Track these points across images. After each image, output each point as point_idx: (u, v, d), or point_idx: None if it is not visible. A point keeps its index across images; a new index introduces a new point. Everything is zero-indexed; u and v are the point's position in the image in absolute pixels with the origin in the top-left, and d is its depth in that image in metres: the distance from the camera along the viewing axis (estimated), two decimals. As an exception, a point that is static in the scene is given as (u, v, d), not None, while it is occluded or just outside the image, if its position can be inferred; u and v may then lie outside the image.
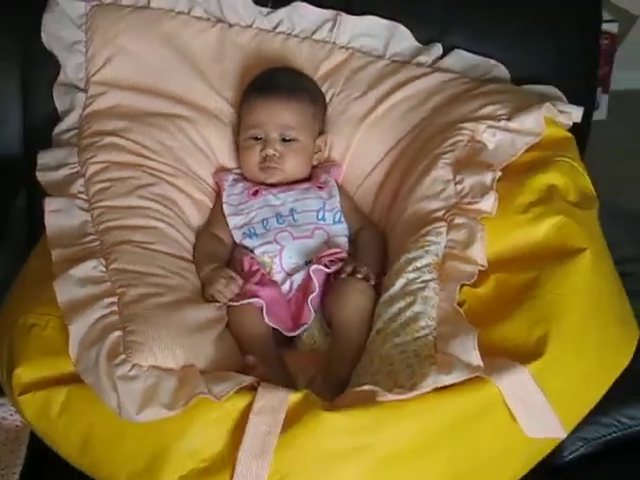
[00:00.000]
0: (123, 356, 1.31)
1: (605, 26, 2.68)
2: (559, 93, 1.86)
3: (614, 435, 1.56)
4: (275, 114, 1.72)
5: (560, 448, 1.48)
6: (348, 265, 1.58)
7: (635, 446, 1.57)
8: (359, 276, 1.56)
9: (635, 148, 3.26)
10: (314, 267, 1.57)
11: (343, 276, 1.57)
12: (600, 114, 3.40)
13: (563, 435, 1.34)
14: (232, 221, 1.71)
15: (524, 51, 1.98)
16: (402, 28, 1.92)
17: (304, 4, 1.92)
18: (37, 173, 1.70)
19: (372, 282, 1.56)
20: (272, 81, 1.77)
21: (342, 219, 1.73)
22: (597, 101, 3.28)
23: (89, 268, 1.46)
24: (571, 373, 1.37)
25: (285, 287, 1.61)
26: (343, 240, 1.70)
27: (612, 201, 1.70)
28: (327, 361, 1.51)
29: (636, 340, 1.53)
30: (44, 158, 1.73)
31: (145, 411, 1.25)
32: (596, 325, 1.44)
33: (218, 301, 1.53)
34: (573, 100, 1.84)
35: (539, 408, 1.29)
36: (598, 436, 1.56)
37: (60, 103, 1.83)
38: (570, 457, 1.55)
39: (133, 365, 1.30)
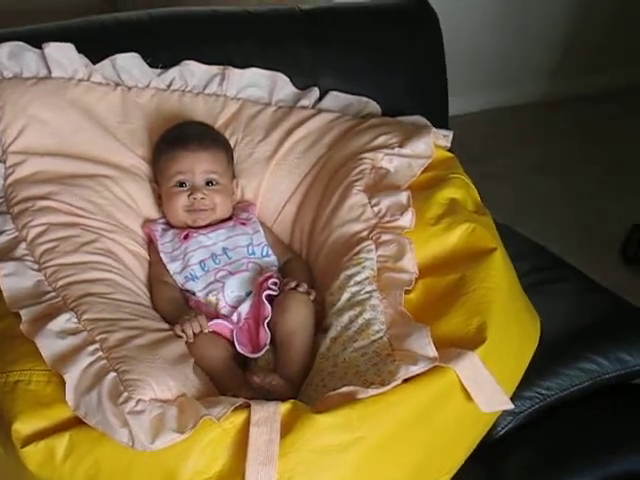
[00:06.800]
0: (126, 394, 1.35)
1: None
2: (427, 121, 2.00)
3: (537, 406, 1.70)
4: (197, 162, 1.79)
5: (494, 425, 1.64)
6: (291, 281, 1.68)
7: (554, 413, 1.72)
8: (301, 290, 1.66)
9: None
10: (266, 293, 1.65)
11: (287, 289, 1.66)
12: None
13: (511, 406, 1.49)
14: (171, 268, 1.77)
15: (386, 88, 2.14)
16: (282, 76, 2.04)
17: (192, 62, 1.99)
18: None
19: (312, 297, 1.66)
20: (186, 134, 1.84)
21: (270, 252, 1.81)
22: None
23: (63, 321, 1.48)
24: (504, 353, 1.54)
25: (234, 318, 1.67)
26: (274, 270, 1.77)
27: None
28: (278, 367, 1.59)
29: (539, 323, 1.72)
30: None
31: (159, 439, 1.29)
32: (515, 311, 1.63)
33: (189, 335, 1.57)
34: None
35: (490, 386, 1.44)
36: (524, 409, 1.69)
37: (-20, 179, 1.78)
38: (503, 431, 1.67)
39: (138, 400, 1.34)
